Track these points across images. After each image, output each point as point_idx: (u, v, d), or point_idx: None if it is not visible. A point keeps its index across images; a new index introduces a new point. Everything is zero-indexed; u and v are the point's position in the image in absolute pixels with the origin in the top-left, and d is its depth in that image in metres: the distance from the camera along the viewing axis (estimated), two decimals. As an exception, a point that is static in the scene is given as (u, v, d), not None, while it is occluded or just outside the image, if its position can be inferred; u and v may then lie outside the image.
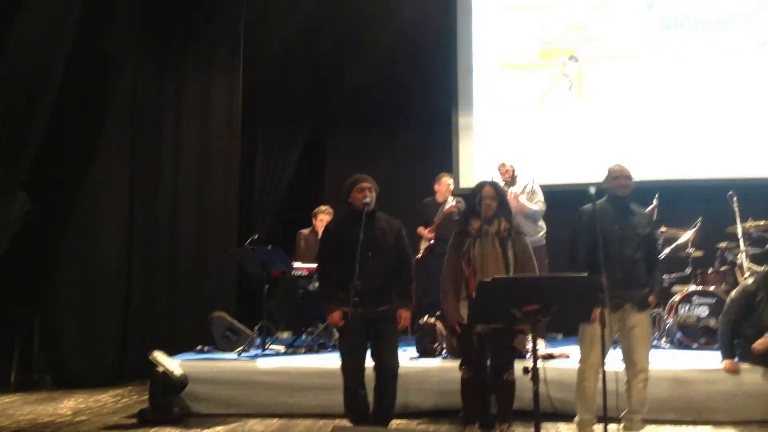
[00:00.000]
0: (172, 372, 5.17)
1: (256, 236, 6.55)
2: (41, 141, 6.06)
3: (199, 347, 6.07)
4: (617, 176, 4.38)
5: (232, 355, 5.82)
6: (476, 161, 8.12)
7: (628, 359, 4.26)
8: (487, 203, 4.21)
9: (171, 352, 5.64)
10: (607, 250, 4.05)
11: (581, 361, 4.30)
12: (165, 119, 7.42)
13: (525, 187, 6.26)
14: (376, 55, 8.28)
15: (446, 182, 6.85)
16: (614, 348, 4.30)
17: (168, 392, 5.17)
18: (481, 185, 4.36)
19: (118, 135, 7.05)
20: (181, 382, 5.20)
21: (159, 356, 5.26)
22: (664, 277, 6.50)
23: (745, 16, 7.74)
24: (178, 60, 7.51)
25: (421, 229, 6.77)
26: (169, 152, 7.40)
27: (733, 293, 5.22)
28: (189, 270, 7.21)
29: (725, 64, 7.70)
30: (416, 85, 8.31)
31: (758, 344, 4.87)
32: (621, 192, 4.35)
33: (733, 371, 4.98)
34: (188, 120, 7.45)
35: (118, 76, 7.08)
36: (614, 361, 4.14)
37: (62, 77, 6.05)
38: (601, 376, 4.07)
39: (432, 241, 6.69)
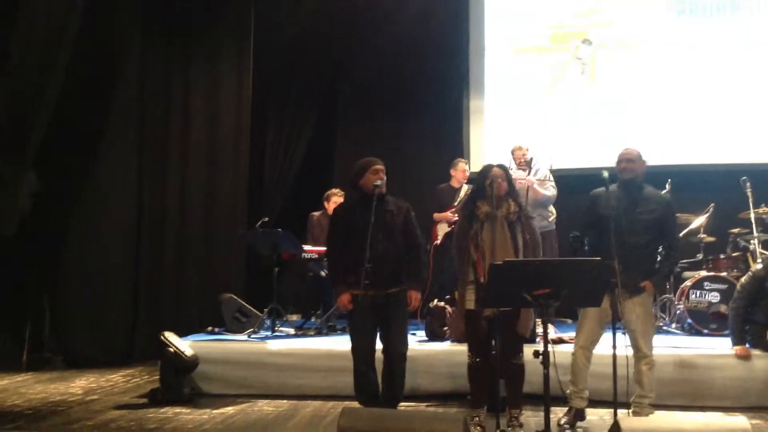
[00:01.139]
0: (183, 352, 5.20)
1: (266, 219, 6.56)
2: (50, 126, 6.09)
3: (209, 328, 6.10)
4: (620, 160, 4.38)
5: (242, 337, 5.85)
6: (487, 146, 8.09)
7: (632, 344, 4.26)
8: (499, 182, 4.18)
9: (181, 333, 5.68)
10: (611, 235, 4.06)
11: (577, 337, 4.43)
12: (174, 102, 7.42)
13: (537, 171, 6.22)
14: (388, 39, 8.22)
15: (462, 168, 6.82)
16: (623, 333, 4.28)
17: (179, 372, 5.21)
18: (489, 167, 4.33)
19: (126, 119, 7.06)
20: (192, 362, 5.23)
21: (170, 336, 5.29)
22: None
23: (759, 1, 7.63)
24: (187, 41, 7.49)
25: (438, 214, 6.67)
26: (178, 136, 7.41)
27: (743, 279, 5.20)
28: (199, 252, 7.24)
29: (738, 49, 7.61)
30: (428, 70, 8.26)
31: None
32: (625, 176, 4.33)
33: (744, 357, 4.97)
34: (197, 103, 7.44)
35: (126, 59, 7.08)
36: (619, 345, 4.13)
37: (70, 62, 6.07)
38: (591, 356, 4.36)
39: (453, 226, 6.63)
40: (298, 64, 8.18)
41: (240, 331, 5.93)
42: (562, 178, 6.43)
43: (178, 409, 4.93)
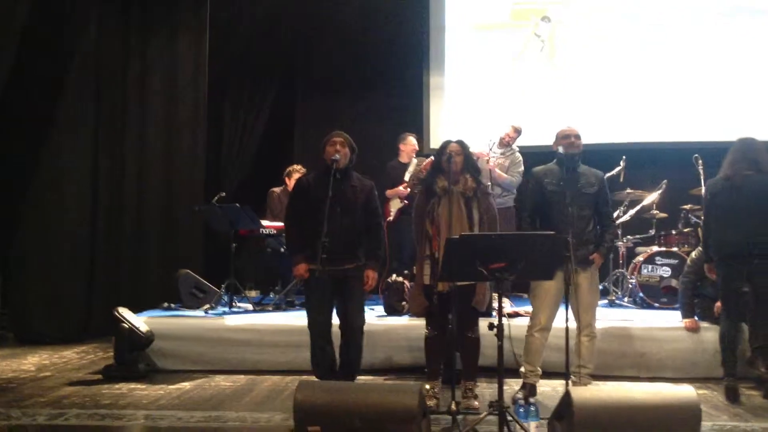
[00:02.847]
0: (138, 328, 5.15)
1: (223, 194, 6.49)
2: (2, 100, 5.92)
3: (165, 304, 6.03)
4: (567, 135, 4.46)
5: (199, 313, 5.80)
6: (446, 122, 8.10)
7: (576, 316, 4.35)
8: (455, 159, 4.20)
9: (137, 309, 5.63)
10: (553, 210, 4.23)
11: (531, 317, 4.49)
12: (131, 77, 7.25)
13: (512, 154, 6.26)
14: (348, 16, 8.13)
15: (411, 142, 6.82)
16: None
17: (133, 348, 5.16)
18: (446, 143, 4.36)
19: (81, 93, 6.90)
20: (147, 338, 5.18)
21: (124, 312, 5.23)
22: (628, 237, 6.62)
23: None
24: (145, 16, 7.32)
25: (391, 190, 6.67)
26: (136, 111, 7.25)
27: (693, 254, 5.35)
28: (156, 227, 7.14)
29: (692, 29, 7.74)
30: (388, 46, 8.19)
31: (719, 305, 4.98)
32: (572, 150, 4.40)
33: (693, 329, 5.13)
34: (154, 78, 7.29)
35: (83, 33, 6.90)
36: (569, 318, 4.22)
37: (22, 37, 5.89)
38: (548, 336, 4.42)
39: (405, 202, 6.65)
40: (257, 41, 8.05)
41: (197, 307, 5.88)
42: (521, 154, 6.47)
43: (132, 385, 4.89)
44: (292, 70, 8.60)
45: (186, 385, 4.92)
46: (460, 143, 4.33)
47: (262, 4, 7.93)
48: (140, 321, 5.26)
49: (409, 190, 6.47)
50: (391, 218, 6.56)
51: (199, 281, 6.04)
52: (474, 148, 6.11)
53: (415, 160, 6.67)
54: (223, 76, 8.01)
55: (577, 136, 4.45)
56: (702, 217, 6.18)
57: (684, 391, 3.33)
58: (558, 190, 4.32)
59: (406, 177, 6.60)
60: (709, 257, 4.70)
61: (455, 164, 4.18)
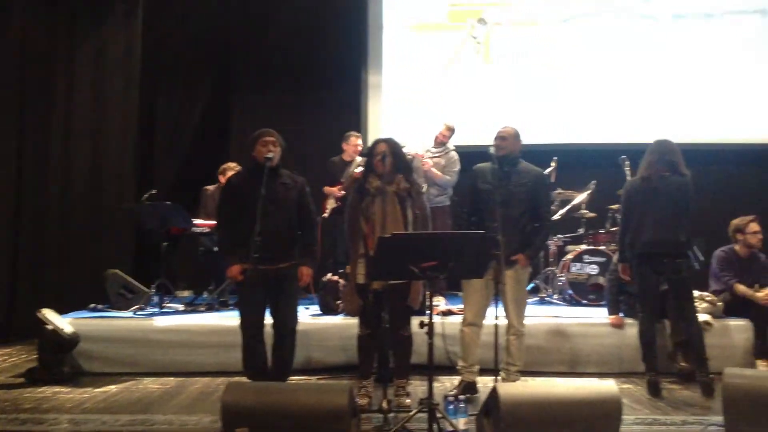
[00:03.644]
0: (62, 330, 5.00)
1: (153, 192, 6.33)
2: None
3: (92, 305, 5.85)
4: (494, 138, 4.56)
5: (128, 314, 5.66)
6: (385, 121, 8.11)
7: (505, 314, 4.42)
8: (377, 161, 4.21)
9: (64, 310, 5.47)
10: (485, 209, 4.31)
11: (464, 314, 4.55)
12: (57, 67, 7.01)
13: (448, 153, 6.31)
14: (286, 11, 8.06)
15: (354, 142, 6.80)
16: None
17: (58, 351, 5.01)
18: (375, 142, 4.38)
19: (5, 84, 6.63)
20: (71, 341, 5.03)
21: (48, 314, 5.07)
22: (558, 236, 6.77)
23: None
24: (73, 7, 7.07)
25: (328, 188, 6.66)
26: (62, 103, 7.03)
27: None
28: (84, 226, 6.92)
29: (622, 33, 7.97)
30: (326, 44, 8.16)
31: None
32: (498, 152, 4.48)
33: (618, 326, 5.29)
34: (82, 69, 7.08)
35: (5, 20, 6.64)
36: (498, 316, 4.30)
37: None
38: (480, 332, 4.51)
39: (339, 203, 6.64)
40: (193, 35, 7.89)
41: (125, 308, 5.74)
42: (457, 153, 6.54)
43: (56, 389, 4.75)
44: (229, 65, 8.46)
45: (112, 388, 4.80)
46: (388, 142, 4.33)
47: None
48: (65, 323, 5.10)
49: (343, 192, 6.49)
50: (326, 215, 6.54)
51: (128, 281, 5.89)
52: (410, 149, 6.21)
53: (358, 159, 6.66)
54: (157, 71, 7.82)
55: (503, 138, 4.52)
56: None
57: (606, 386, 3.43)
58: (489, 189, 4.37)
59: (344, 178, 6.60)
60: (624, 257, 4.82)
61: (380, 165, 4.20)
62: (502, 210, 4.23)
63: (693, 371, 4.83)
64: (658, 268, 4.63)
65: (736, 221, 5.49)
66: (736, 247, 5.45)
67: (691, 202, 4.66)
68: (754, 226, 5.39)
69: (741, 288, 5.25)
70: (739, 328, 5.26)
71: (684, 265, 4.65)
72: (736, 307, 5.31)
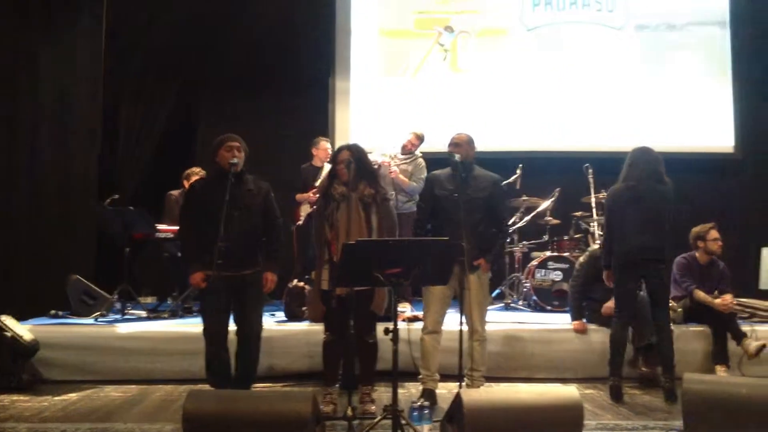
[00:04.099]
0: (21, 337, 4.91)
1: (116, 196, 6.24)
2: None
3: (52, 312, 5.75)
4: (448, 144, 4.59)
5: (89, 320, 5.57)
6: (353, 126, 8.13)
7: (467, 320, 4.43)
8: (341, 168, 4.21)
9: (24, 316, 5.36)
10: (444, 215, 4.35)
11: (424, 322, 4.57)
12: (20, 69, 6.85)
13: (415, 161, 6.33)
14: (254, 17, 8.02)
15: (324, 146, 6.79)
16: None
17: (17, 358, 4.91)
18: (338, 149, 4.38)
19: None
20: (31, 347, 4.94)
21: (6, 320, 4.97)
22: (523, 243, 6.84)
23: (612, 1, 8.17)
24: (37, 8, 6.94)
25: (300, 195, 6.61)
26: (26, 106, 6.86)
27: (581, 259, 5.61)
28: (44, 231, 6.76)
29: (587, 43, 8.12)
30: (294, 49, 8.12)
31: (605, 307, 5.23)
32: (464, 159, 4.50)
33: (581, 331, 5.36)
34: (46, 71, 6.92)
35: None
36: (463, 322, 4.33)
37: None
38: (440, 338, 4.52)
39: (314, 208, 6.58)
40: (159, 38, 7.80)
41: (87, 315, 5.65)
42: (424, 160, 6.56)
43: (15, 397, 4.66)
44: (197, 69, 8.37)
45: (73, 396, 4.71)
46: (350, 149, 4.32)
47: (166, 2, 7.71)
48: (24, 329, 5.01)
49: (317, 196, 6.46)
50: (300, 222, 6.51)
51: (90, 287, 5.80)
52: (377, 156, 6.23)
53: (328, 166, 6.63)
54: (122, 74, 7.71)
55: (455, 144, 4.55)
56: (593, 224, 6.52)
57: (568, 392, 3.47)
58: (448, 195, 4.41)
59: (318, 183, 6.58)
60: (608, 263, 4.88)
61: (342, 173, 4.20)
62: (461, 217, 4.23)
63: (654, 376, 4.92)
64: (640, 274, 4.71)
65: (696, 229, 5.60)
66: (697, 254, 5.56)
67: (673, 209, 4.75)
68: (714, 233, 5.51)
69: (701, 294, 5.35)
70: (699, 334, 5.36)
71: (664, 271, 4.75)
72: (695, 313, 5.42)
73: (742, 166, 8.08)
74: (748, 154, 8.07)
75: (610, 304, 5.14)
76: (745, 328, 5.28)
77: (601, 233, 6.19)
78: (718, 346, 5.23)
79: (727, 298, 5.25)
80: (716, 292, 5.37)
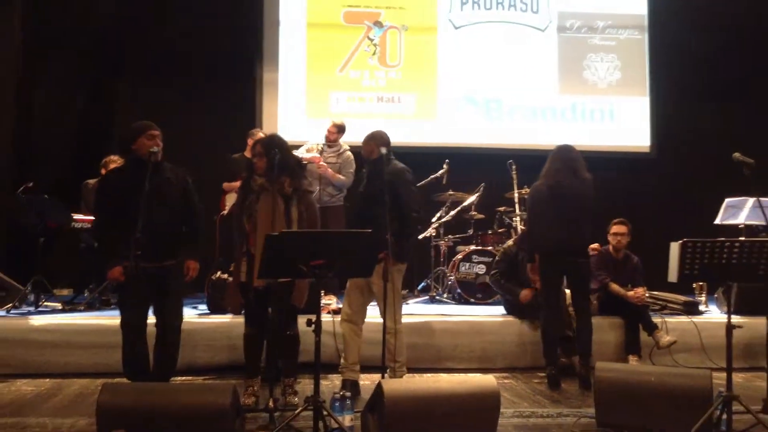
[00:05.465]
0: (-77, 331, 4.64)
1: (30, 184, 5.97)
2: None
3: (-40, 304, 5.49)
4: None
5: (0, 312, 5.32)
6: (280, 118, 8.06)
7: (380, 313, 4.42)
8: (257, 159, 4.18)
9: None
10: (369, 209, 4.37)
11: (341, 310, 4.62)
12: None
13: (343, 153, 6.31)
14: (179, 4, 7.84)
15: (260, 137, 6.68)
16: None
17: None
18: (255, 142, 4.36)
19: None
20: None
21: None
22: (449, 237, 6.95)
23: (536, 2, 8.39)
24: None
25: (228, 184, 6.48)
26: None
27: (498, 254, 5.75)
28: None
29: (513, 43, 8.31)
30: (220, 38, 7.98)
31: (523, 295, 5.39)
32: (369, 156, 4.57)
33: (529, 297, 5.40)
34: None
35: None
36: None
37: None
38: (359, 329, 4.56)
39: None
40: (81, 23, 7.53)
41: (-3, 306, 5.41)
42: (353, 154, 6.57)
43: None
44: (117, 57, 8.11)
45: (-20, 391, 4.51)
46: (263, 143, 4.26)
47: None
48: (-73, 323, 4.75)
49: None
50: (225, 212, 6.40)
51: (0, 278, 5.54)
52: (305, 151, 6.20)
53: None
54: (39, 59, 7.40)
55: (366, 142, 4.61)
56: (516, 219, 6.68)
57: (486, 381, 3.56)
58: (361, 190, 4.49)
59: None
60: (531, 258, 5.01)
61: (257, 166, 4.17)
62: (369, 210, 4.29)
63: (572, 364, 5.08)
64: (561, 267, 4.85)
65: (611, 225, 5.82)
66: (610, 248, 5.77)
67: (592, 204, 4.89)
68: (615, 228, 5.72)
69: (615, 287, 5.55)
70: (612, 324, 5.56)
71: (585, 264, 4.92)
72: (609, 305, 5.62)
73: (657, 164, 8.44)
74: (663, 153, 8.43)
75: (526, 292, 5.36)
76: (657, 320, 5.51)
77: (523, 228, 6.36)
78: (630, 336, 5.44)
79: (640, 291, 5.47)
80: (629, 285, 5.59)
